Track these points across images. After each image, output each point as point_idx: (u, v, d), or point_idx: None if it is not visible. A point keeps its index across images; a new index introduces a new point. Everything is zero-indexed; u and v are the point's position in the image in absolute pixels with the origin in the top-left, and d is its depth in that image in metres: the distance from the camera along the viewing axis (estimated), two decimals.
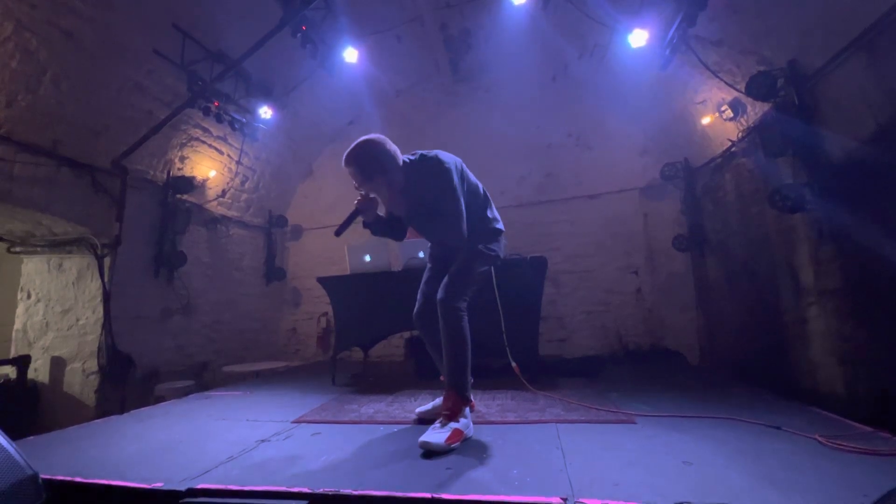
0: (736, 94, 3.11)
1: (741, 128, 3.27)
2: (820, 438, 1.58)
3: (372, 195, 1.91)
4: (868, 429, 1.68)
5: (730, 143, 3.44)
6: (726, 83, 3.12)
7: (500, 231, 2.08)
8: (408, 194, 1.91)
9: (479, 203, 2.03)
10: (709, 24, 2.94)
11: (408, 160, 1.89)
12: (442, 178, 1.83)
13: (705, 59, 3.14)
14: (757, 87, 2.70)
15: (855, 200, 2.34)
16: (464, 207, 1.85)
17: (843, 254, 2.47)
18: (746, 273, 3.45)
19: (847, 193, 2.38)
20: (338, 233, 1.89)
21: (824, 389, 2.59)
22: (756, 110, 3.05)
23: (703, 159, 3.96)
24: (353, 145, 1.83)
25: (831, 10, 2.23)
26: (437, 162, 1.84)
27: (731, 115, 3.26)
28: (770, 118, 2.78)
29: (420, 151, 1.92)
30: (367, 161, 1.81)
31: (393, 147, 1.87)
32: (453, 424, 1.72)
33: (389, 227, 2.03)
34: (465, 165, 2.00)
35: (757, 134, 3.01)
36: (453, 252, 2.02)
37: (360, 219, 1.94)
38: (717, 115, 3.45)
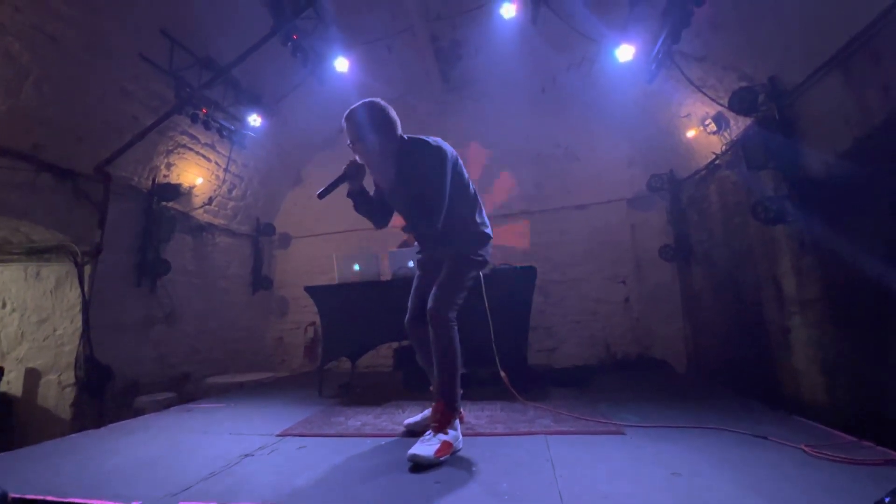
0: (719, 108, 3.19)
1: (724, 141, 3.35)
2: (806, 448, 1.59)
3: (361, 162, 1.87)
4: (852, 438, 1.70)
5: (714, 156, 3.51)
6: (710, 98, 3.20)
7: (488, 236, 2.03)
8: (397, 169, 1.88)
9: (468, 203, 1.99)
10: (692, 41, 3.03)
11: (406, 137, 1.89)
12: (434, 165, 1.80)
13: (689, 74, 3.22)
14: (739, 102, 2.77)
15: (834, 212, 2.41)
16: (446, 201, 1.82)
17: (824, 264, 2.53)
18: (731, 283, 3.51)
19: (827, 205, 2.45)
20: (321, 195, 1.85)
21: (808, 398, 2.63)
22: (739, 124, 3.13)
23: (689, 171, 4.04)
24: (357, 103, 1.85)
25: (809, 29, 2.31)
26: (435, 147, 1.82)
27: (715, 128, 3.34)
28: (752, 132, 2.85)
29: (422, 135, 1.91)
30: (366, 118, 1.82)
31: (395, 116, 1.88)
32: (442, 437, 1.70)
33: (372, 206, 1.98)
34: (460, 160, 1.97)
35: (739, 147, 3.08)
36: (441, 258, 2.00)
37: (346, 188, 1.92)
38: (701, 129, 3.53)
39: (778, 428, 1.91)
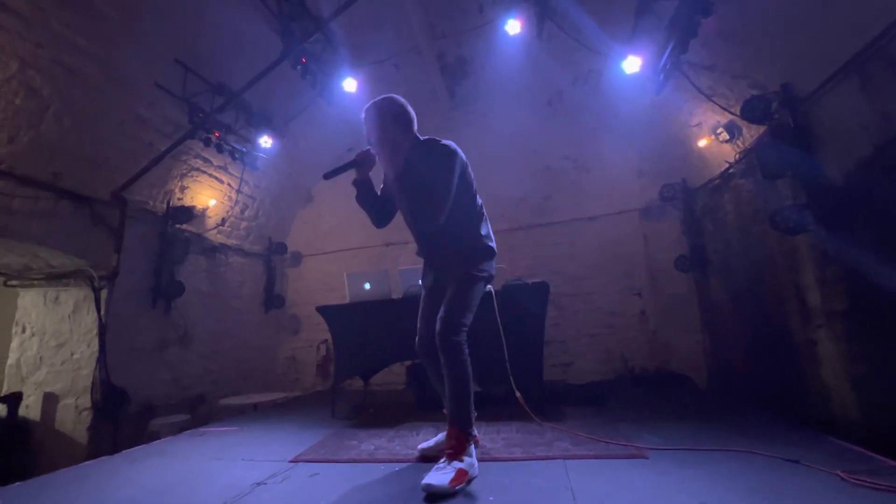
0: (731, 117, 3.14)
1: (738, 150, 3.29)
2: (842, 474, 1.50)
3: (374, 152, 1.91)
4: (893, 463, 1.61)
5: (727, 165, 3.45)
6: (721, 107, 3.16)
7: (493, 251, 2.00)
8: (407, 162, 1.90)
9: (475, 214, 1.98)
10: (700, 50, 3.00)
11: (422, 137, 1.93)
12: (444, 163, 1.83)
13: (699, 83, 3.19)
14: (752, 111, 2.73)
15: (857, 221, 2.33)
16: (451, 198, 1.82)
17: (849, 275, 2.44)
18: (751, 294, 3.40)
19: (849, 214, 2.37)
20: (326, 175, 1.87)
21: (839, 415, 2.51)
22: (751, 133, 3.07)
23: (701, 180, 3.97)
24: (378, 97, 1.94)
25: (821, 35, 2.27)
26: (449, 149, 1.86)
27: (727, 137, 3.28)
28: (766, 141, 2.79)
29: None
30: (385, 110, 1.89)
31: (413, 114, 1.94)
32: (457, 464, 1.65)
33: (374, 200, 1.99)
34: (471, 170, 1.98)
35: (754, 156, 3.02)
36: (446, 275, 1.97)
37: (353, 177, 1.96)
38: (713, 138, 3.47)
39: (809, 450, 1.81)
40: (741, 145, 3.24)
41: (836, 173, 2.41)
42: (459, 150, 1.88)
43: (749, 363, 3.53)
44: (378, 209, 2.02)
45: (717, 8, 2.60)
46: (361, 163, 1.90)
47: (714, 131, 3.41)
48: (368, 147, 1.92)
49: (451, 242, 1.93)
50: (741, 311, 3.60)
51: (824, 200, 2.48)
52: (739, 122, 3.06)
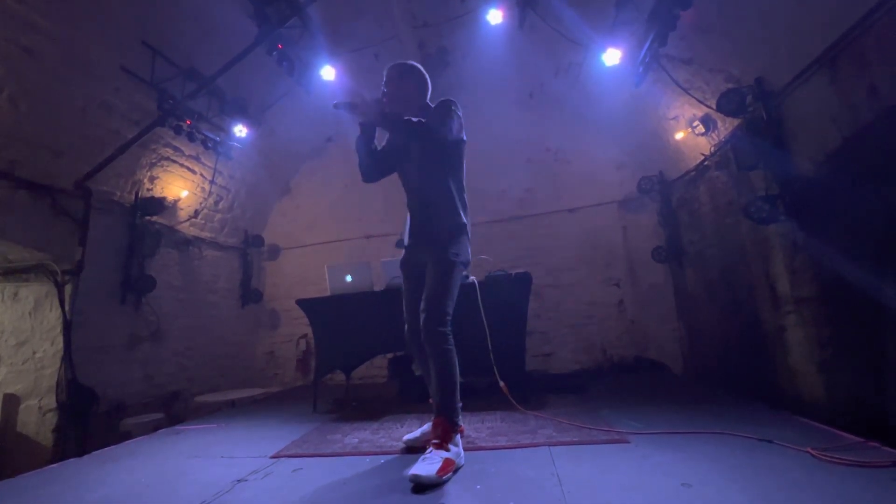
0: (707, 110, 3.21)
1: (713, 142, 3.38)
2: (812, 452, 1.57)
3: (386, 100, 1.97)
4: (858, 439, 1.69)
5: (703, 157, 3.54)
6: (697, 100, 3.23)
7: (467, 235, 2.01)
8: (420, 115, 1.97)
9: (463, 195, 2.03)
10: (679, 43, 3.05)
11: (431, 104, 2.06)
12: (447, 106, 1.94)
13: (676, 76, 3.25)
14: (727, 104, 2.79)
15: (826, 211, 2.43)
16: (453, 132, 1.92)
17: (818, 263, 2.55)
18: (724, 283, 3.52)
19: (818, 205, 2.47)
20: (336, 105, 1.90)
21: (807, 397, 2.63)
22: (726, 126, 3.15)
23: (678, 173, 4.06)
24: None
25: (795, 30, 2.33)
26: (453, 102, 1.98)
27: (703, 130, 3.36)
28: (740, 133, 2.88)
29: None
30: (413, 70, 2.06)
31: (430, 84, 2.11)
32: (444, 454, 1.64)
33: (373, 149, 2.03)
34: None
35: (728, 148, 3.11)
36: (425, 258, 1.95)
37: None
38: (689, 131, 3.55)
39: (781, 430, 1.89)
40: (716, 138, 3.33)
41: (806, 165, 2.50)
42: (460, 111, 2.00)
43: (723, 349, 3.66)
44: (373, 160, 2.05)
45: (695, 1, 2.64)
46: (375, 108, 1.90)
47: (690, 124, 3.49)
48: (382, 99, 1.97)
49: (441, 204, 1.97)
50: (715, 300, 3.72)
51: (795, 191, 2.58)
52: (715, 115, 3.13)
